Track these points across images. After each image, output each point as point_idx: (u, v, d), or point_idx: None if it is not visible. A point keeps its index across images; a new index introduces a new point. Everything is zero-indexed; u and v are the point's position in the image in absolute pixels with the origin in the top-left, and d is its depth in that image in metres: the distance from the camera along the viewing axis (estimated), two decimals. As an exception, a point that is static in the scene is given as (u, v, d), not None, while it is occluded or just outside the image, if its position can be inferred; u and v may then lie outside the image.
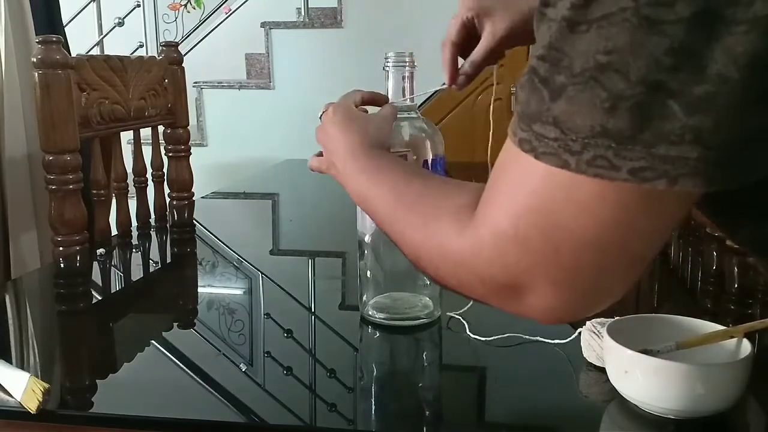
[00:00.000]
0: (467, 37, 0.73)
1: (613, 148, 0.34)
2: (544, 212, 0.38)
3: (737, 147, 0.33)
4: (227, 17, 3.38)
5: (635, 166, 0.34)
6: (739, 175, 0.34)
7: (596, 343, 0.70)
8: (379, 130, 0.68)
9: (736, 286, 1.04)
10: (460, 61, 0.75)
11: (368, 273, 0.83)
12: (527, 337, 0.78)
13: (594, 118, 0.34)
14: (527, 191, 0.38)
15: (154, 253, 1.33)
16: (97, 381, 0.73)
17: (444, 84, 0.75)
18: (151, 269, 1.19)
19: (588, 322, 0.72)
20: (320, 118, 0.72)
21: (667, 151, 0.33)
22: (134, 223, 1.46)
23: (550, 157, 0.36)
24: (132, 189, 1.47)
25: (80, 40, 3.10)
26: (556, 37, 0.35)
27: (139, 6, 3.61)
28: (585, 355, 0.71)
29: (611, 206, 0.36)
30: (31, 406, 0.63)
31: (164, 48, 1.57)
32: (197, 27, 3.48)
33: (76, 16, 3.41)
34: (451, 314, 0.85)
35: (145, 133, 1.50)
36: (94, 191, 1.33)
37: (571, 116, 0.35)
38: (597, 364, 0.70)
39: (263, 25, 3.06)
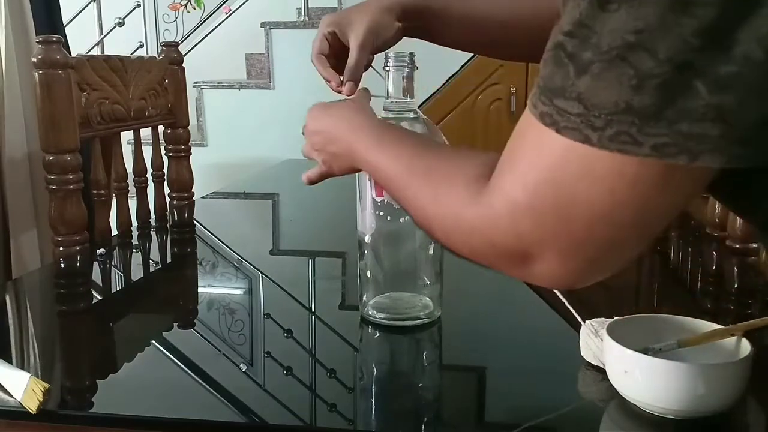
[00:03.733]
0: (334, 50, 0.78)
1: (636, 124, 0.35)
2: (560, 185, 0.39)
3: (759, 126, 0.34)
4: (227, 17, 3.38)
5: (658, 142, 0.35)
6: (759, 154, 0.35)
7: (593, 342, 0.70)
8: (363, 103, 0.70)
9: (735, 286, 1.04)
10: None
11: (368, 273, 0.83)
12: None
13: (619, 95, 0.35)
14: (545, 164, 0.39)
15: (155, 253, 1.33)
16: (97, 381, 0.73)
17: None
18: (152, 269, 1.19)
19: (587, 322, 0.72)
20: (303, 133, 0.72)
21: (689, 128, 0.34)
22: (134, 223, 1.46)
23: (572, 132, 0.37)
24: (132, 189, 1.47)
25: (80, 40, 3.10)
26: (586, 15, 0.36)
27: (139, 6, 3.61)
28: (582, 353, 0.72)
29: (629, 182, 0.37)
30: (32, 406, 0.63)
31: (164, 48, 1.57)
32: (197, 27, 3.48)
33: (76, 16, 3.41)
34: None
35: (146, 133, 1.49)
36: (95, 191, 1.33)
37: (596, 92, 0.36)
38: (594, 364, 0.70)
39: (263, 25, 3.06)
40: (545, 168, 0.39)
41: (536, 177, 0.40)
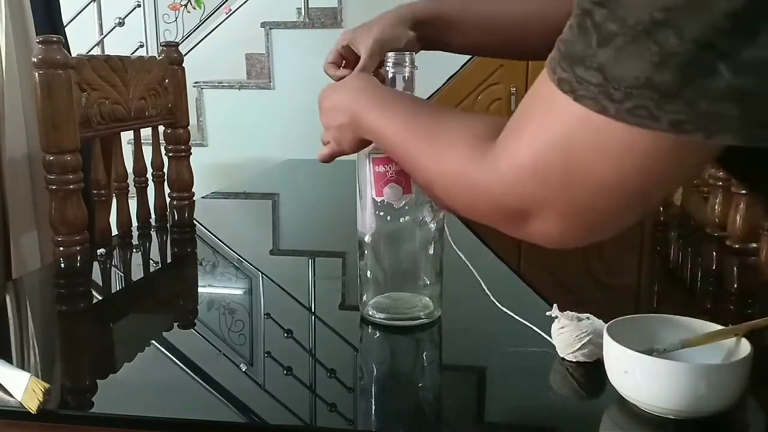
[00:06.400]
0: (350, 64, 0.84)
1: (655, 100, 0.35)
2: (568, 152, 0.40)
3: None
4: (227, 17, 3.38)
5: (676, 118, 0.35)
6: None
7: (567, 333, 0.71)
8: (366, 73, 0.73)
9: (735, 286, 1.04)
10: None
11: (368, 273, 0.83)
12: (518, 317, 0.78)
13: (641, 69, 0.35)
14: (556, 130, 0.40)
15: (155, 253, 1.33)
16: (97, 381, 0.73)
17: None
18: (152, 269, 1.19)
19: (557, 312, 0.74)
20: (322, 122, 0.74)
21: (708, 108, 0.34)
22: (134, 223, 1.46)
23: (589, 101, 0.37)
24: (132, 189, 1.47)
25: (80, 40, 3.10)
26: None
27: (139, 6, 3.61)
28: (557, 347, 0.72)
29: (638, 155, 0.38)
30: (32, 406, 0.63)
31: (164, 48, 1.57)
32: (197, 27, 3.48)
33: (76, 16, 3.41)
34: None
35: (146, 133, 1.50)
36: (95, 191, 1.33)
37: (617, 65, 0.36)
38: (569, 359, 0.71)
39: (263, 25, 3.06)
40: (556, 134, 0.40)
41: (545, 141, 0.41)
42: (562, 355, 0.72)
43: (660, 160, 0.38)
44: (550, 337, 0.75)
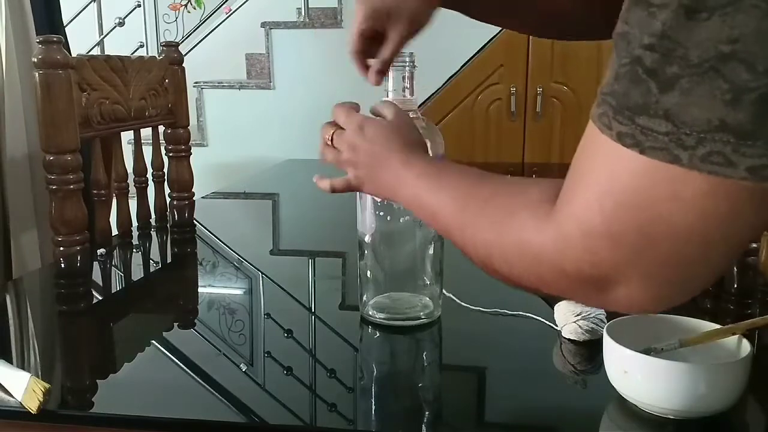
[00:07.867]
0: (370, 44, 0.72)
1: (731, 143, 0.33)
2: (643, 208, 0.37)
3: None
4: (227, 17, 3.38)
5: (755, 164, 0.33)
6: None
7: (570, 313, 0.75)
8: (414, 133, 0.66)
9: (735, 286, 1.04)
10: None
11: (368, 273, 0.83)
12: (522, 313, 0.78)
13: (712, 111, 0.32)
14: (624, 186, 0.37)
15: (155, 253, 1.33)
16: (97, 381, 0.73)
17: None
18: (152, 269, 1.19)
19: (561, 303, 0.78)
20: (331, 142, 0.68)
21: None
22: (135, 223, 1.46)
23: (659, 152, 0.35)
24: (132, 189, 1.47)
25: (80, 40, 3.10)
26: (670, 26, 0.33)
27: (139, 6, 3.61)
28: (560, 327, 0.76)
29: (721, 202, 0.35)
30: (32, 406, 0.63)
31: (164, 48, 1.57)
32: (197, 27, 3.47)
33: (76, 16, 3.41)
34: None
35: (146, 133, 1.49)
36: (95, 191, 1.33)
37: (686, 109, 0.33)
38: (572, 338, 0.75)
39: (263, 25, 3.06)
40: (625, 190, 0.37)
41: (615, 200, 0.37)
42: (560, 329, 0.76)
43: (745, 206, 0.35)
44: (554, 325, 0.77)
